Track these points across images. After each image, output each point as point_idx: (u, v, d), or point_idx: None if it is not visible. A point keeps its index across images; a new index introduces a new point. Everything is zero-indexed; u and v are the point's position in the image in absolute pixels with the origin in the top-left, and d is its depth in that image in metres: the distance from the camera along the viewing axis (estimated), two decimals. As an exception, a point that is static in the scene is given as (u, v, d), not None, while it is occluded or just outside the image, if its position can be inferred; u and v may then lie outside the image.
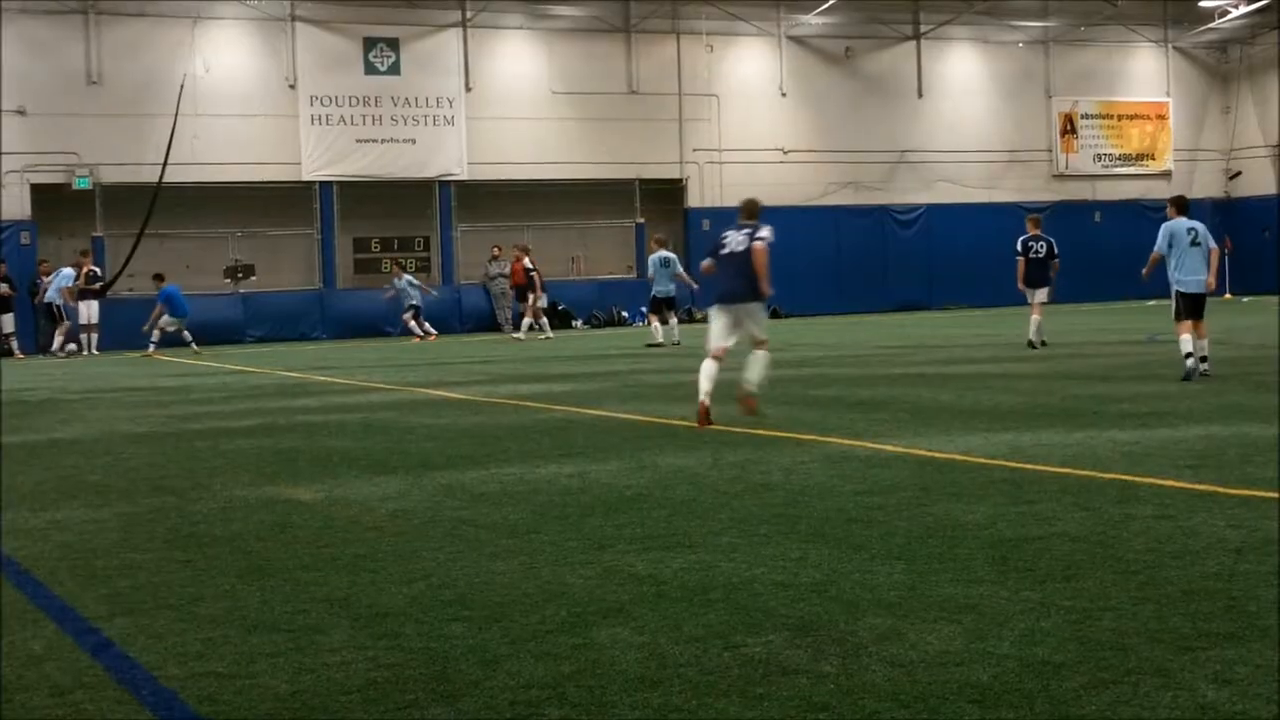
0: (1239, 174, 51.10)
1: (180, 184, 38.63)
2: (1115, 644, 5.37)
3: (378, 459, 11.85)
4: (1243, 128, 51.13)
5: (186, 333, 33.78)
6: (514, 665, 5.40)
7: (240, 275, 40.00)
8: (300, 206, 41.02)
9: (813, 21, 46.20)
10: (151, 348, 33.33)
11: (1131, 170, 50.59)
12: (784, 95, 46.31)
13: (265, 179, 40.27)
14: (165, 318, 33.61)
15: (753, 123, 45.78)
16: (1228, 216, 50.21)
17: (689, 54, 45.01)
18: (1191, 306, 17.28)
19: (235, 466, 11.81)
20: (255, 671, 5.47)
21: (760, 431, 12.78)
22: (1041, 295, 24.50)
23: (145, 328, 33.52)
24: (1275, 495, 8.44)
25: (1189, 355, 16.94)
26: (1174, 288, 17.55)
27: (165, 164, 38.32)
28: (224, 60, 40.18)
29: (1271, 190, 49.88)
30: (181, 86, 38.71)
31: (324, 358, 29.90)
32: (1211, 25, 50.00)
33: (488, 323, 41.75)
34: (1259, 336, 25.08)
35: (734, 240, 14.11)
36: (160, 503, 9.87)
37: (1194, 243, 17.45)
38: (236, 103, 40.03)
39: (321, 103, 40.96)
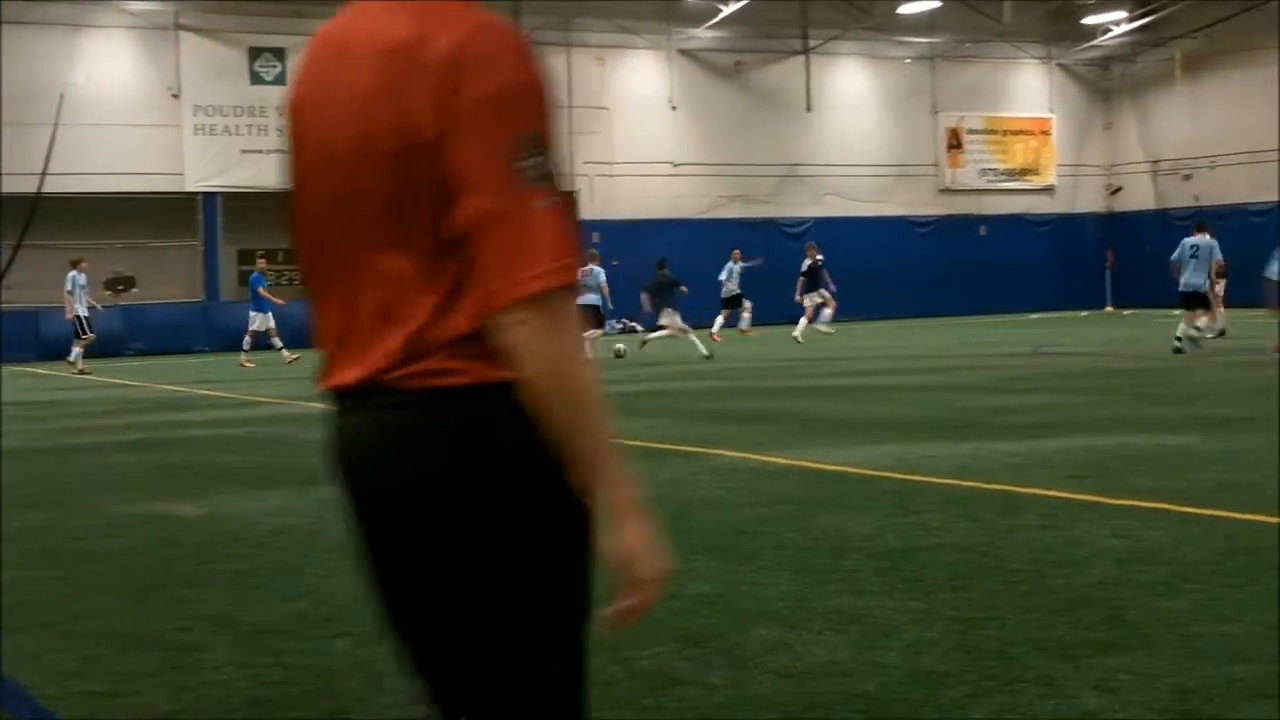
0: (1120, 189, 51.95)
1: (60, 194, 38.01)
2: (1000, 653, 5.41)
3: (262, 474, 11.70)
4: (1123, 144, 52.00)
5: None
6: (399, 681, 5.33)
7: (121, 287, 39.36)
8: (184, 218, 40.49)
9: (703, 35, 46.41)
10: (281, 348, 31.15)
11: (1016, 185, 51.27)
12: (674, 108, 46.45)
13: (148, 189, 39.69)
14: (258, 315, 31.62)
15: (644, 135, 45.87)
16: (1109, 231, 51.03)
17: (580, 66, 45.01)
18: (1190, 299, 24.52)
19: (116, 482, 11.62)
20: (133, 690, 5.37)
21: (648, 444, 12.77)
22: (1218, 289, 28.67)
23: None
24: (1156, 505, 8.56)
25: (1178, 336, 23.54)
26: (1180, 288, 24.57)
27: (44, 174, 37.67)
28: (106, 69, 39.59)
29: (1151, 205, 50.75)
30: (62, 96, 38.06)
31: (208, 371, 29.52)
32: (1094, 43, 50.83)
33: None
34: (1140, 349, 25.51)
35: None
36: (38, 519, 9.68)
37: (1194, 254, 24.90)
38: (119, 112, 39.45)
39: (206, 113, 40.49)
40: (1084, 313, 46.55)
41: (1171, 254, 25.77)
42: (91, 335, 31.19)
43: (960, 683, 5.05)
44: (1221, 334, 27.92)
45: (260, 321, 31.52)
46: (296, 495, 10.33)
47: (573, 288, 2.30)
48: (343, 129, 2.41)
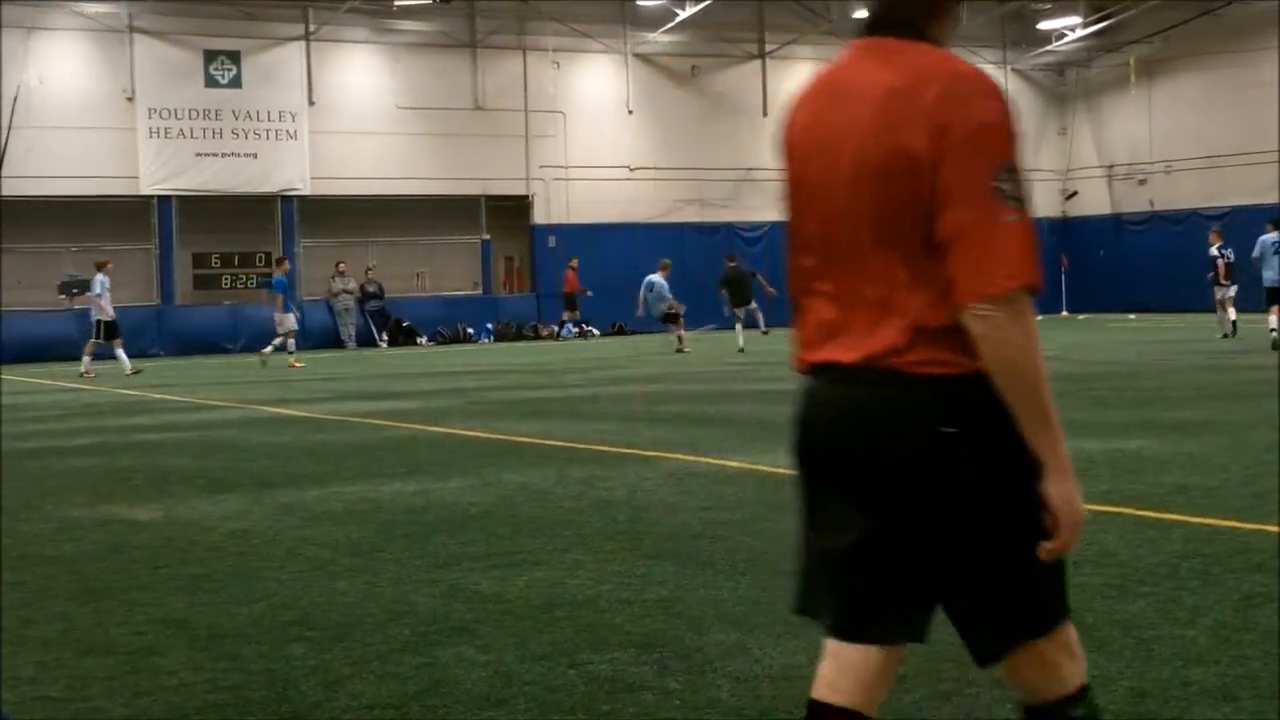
0: (1075, 194, 52.21)
1: (14, 197, 37.74)
2: (957, 656, 5.41)
3: (217, 478, 11.65)
4: (1078, 149, 52.24)
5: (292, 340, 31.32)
6: (357, 685, 5.33)
7: (75, 291, 39.06)
8: (138, 221, 40.25)
9: (659, 39, 46.44)
10: (270, 349, 30.82)
11: (970, 189, 51.38)
12: (630, 113, 46.45)
13: (102, 193, 39.44)
14: (280, 315, 31.03)
15: (599, 140, 45.83)
16: (1064, 236, 51.25)
17: (535, 70, 44.98)
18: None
19: (69, 486, 11.54)
20: (90, 695, 5.34)
21: (604, 448, 12.77)
22: (1232, 292, 29.53)
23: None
24: (1110, 509, 8.61)
25: (1273, 330, 24.66)
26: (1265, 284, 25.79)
27: (-2, 177, 37.43)
28: (59, 71, 39.31)
29: (1106, 210, 51.02)
30: (15, 98, 37.82)
31: (162, 375, 29.36)
32: (1049, 48, 51.08)
33: (332, 339, 41.28)
34: (1094, 354, 25.65)
35: None
36: (-9, 523, 9.60)
37: (1276, 250, 25.81)
38: (73, 115, 39.18)
39: (160, 115, 40.25)
40: (1039, 317, 46.66)
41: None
42: (119, 338, 30.81)
43: (919, 686, 5.06)
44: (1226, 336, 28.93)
45: (285, 322, 31.22)
46: (253, 499, 10.29)
47: (1034, 289, 2.87)
48: (845, 155, 2.97)
